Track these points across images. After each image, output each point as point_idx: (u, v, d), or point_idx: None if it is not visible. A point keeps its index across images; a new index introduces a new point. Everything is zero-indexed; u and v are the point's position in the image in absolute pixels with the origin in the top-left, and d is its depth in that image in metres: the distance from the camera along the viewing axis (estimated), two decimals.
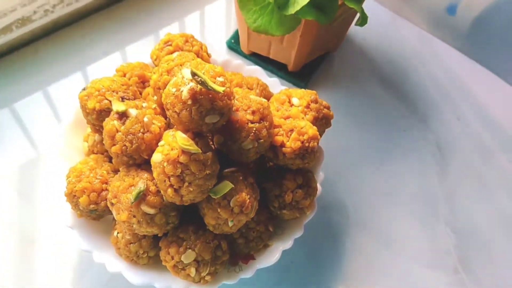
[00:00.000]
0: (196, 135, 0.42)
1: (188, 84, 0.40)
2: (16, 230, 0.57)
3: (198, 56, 0.55)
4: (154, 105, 0.47)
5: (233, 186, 0.44)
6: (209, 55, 0.58)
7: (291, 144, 0.47)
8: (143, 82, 0.55)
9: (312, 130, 0.48)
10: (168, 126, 0.47)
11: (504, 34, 0.72)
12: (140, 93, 0.53)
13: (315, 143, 0.49)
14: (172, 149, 0.41)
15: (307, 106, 0.52)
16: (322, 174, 0.54)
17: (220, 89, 0.40)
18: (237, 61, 0.60)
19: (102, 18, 0.74)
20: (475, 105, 0.71)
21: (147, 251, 0.48)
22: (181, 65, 0.46)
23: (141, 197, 0.43)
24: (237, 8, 0.63)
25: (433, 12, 0.76)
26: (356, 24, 0.58)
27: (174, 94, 0.41)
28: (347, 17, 0.66)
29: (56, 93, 0.68)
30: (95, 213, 0.48)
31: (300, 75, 0.70)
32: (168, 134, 0.42)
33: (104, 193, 0.48)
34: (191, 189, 0.42)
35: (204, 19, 0.76)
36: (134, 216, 0.43)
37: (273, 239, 0.51)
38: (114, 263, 0.48)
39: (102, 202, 0.48)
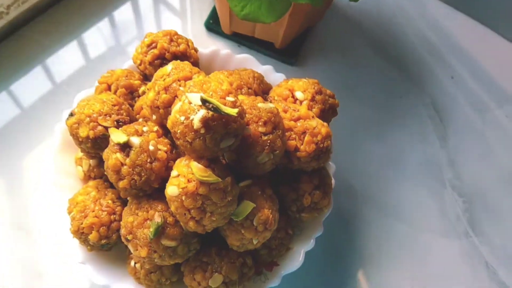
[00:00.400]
0: (211, 162, 0.39)
1: (198, 111, 0.37)
2: (21, 266, 0.54)
3: (186, 55, 0.51)
4: (155, 128, 0.43)
5: (255, 205, 0.41)
6: (196, 50, 0.53)
7: (305, 148, 0.45)
8: (131, 92, 0.50)
9: (325, 129, 0.46)
10: (173, 147, 0.43)
11: None
12: (131, 106, 0.49)
13: (329, 142, 0.46)
14: (188, 181, 0.38)
15: (312, 99, 0.49)
16: (333, 165, 0.53)
17: (234, 111, 0.37)
18: (224, 51, 0.56)
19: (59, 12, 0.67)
20: (467, 61, 0.69)
21: (169, 278, 0.46)
22: (179, 80, 0.42)
23: (160, 232, 0.40)
24: None
25: None
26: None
27: (183, 123, 0.37)
28: None
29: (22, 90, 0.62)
30: (107, 246, 0.45)
31: (288, 52, 0.66)
32: (182, 164, 0.39)
33: (113, 224, 0.45)
34: (214, 219, 0.39)
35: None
36: (155, 252, 0.41)
37: (293, 242, 0.50)
38: None
39: (113, 235, 0.45)
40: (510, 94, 0.68)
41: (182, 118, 0.37)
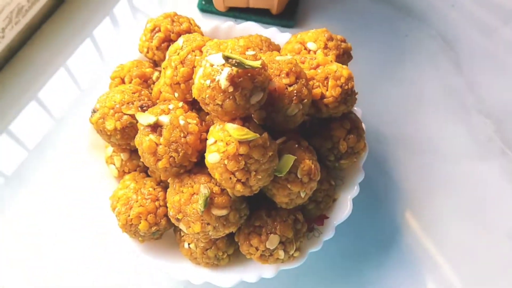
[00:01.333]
0: (245, 121, 0.39)
1: (223, 70, 0.36)
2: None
3: (191, 33, 0.51)
4: (180, 104, 0.42)
5: (295, 157, 0.41)
6: (199, 27, 0.53)
7: (331, 92, 0.44)
8: (145, 81, 0.50)
9: (346, 71, 0.45)
10: (201, 119, 0.43)
11: None
12: (150, 93, 0.49)
13: (353, 83, 0.46)
14: (227, 144, 0.37)
15: (325, 47, 0.49)
16: (359, 109, 0.52)
17: (257, 63, 0.36)
18: (225, 25, 0.56)
19: (52, 25, 0.67)
20: None
21: (225, 251, 0.46)
22: (193, 51, 0.42)
23: (209, 203, 0.40)
24: None
25: None
26: None
27: (209, 86, 0.37)
28: None
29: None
30: (158, 233, 0.45)
31: (286, 16, 0.66)
32: (216, 130, 0.39)
33: (159, 210, 0.44)
34: (260, 177, 0.39)
35: None
36: (208, 224, 0.40)
37: (338, 192, 0.49)
38: (197, 275, 0.46)
39: (162, 220, 0.44)
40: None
41: (208, 82, 0.37)
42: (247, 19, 0.66)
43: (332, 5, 0.67)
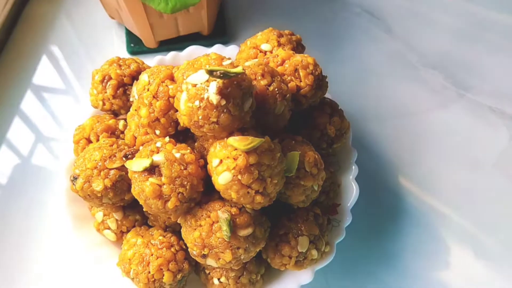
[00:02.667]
0: (243, 131, 0.37)
1: (209, 86, 0.35)
2: None
3: (142, 71, 0.49)
4: (167, 139, 0.40)
5: (299, 152, 0.40)
6: (147, 65, 0.51)
7: (305, 82, 0.44)
8: (113, 133, 0.47)
9: (310, 58, 0.45)
10: (192, 148, 0.41)
11: None
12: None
13: (320, 68, 0.46)
14: (235, 159, 0.36)
15: (279, 44, 0.49)
16: (329, 95, 0.52)
17: (239, 69, 0.35)
18: (169, 55, 0.54)
19: None
20: None
21: (257, 272, 0.43)
22: (162, 82, 0.40)
23: (233, 226, 0.38)
24: (131, 10, 0.55)
25: None
26: None
27: (200, 106, 0.35)
28: None
29: None
30: (183, 281, 0.42)
31: (218, 33, 0.65)
32: (218, 150, 0.37)
33: (178, 255, 0.41)
34: (275, 181, 0.37)
35: (88, 47, 0.66)
36: (238, 248, 0.38)
37: (339, 177, 0.49)
38: None
39: (184, 265, 0.41)
40: None
41: (197, 102, 0.35)
42: (182, 48, 0.64)
43: (256, 14, 0.68)
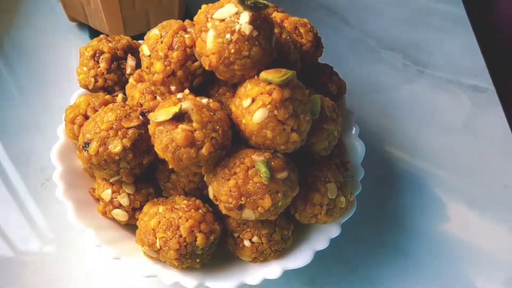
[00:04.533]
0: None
1: (239, 18, 0.34)
2: None
3: (133, 46, 0.47)
4: (187, 91, 0.38)
5: (320, 95, 0.40)
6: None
7: (307, 38, 0.45)
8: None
9: (305, 19, 0.47)
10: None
11: None
12: None
13: (316, 29, 0.47)
14: (269, 94, 0.35)
15: None
16: None
17: (266, 2, 0.35)
18: None
19: None
20: None
21: (288, 228, 0.41)
22: (176, 33, 0.38)
23: (271, 169, 0.36)
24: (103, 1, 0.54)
25: None
26: None
27: (231, 40, 0.34)
28: None
29: None
30: (214, 245, 0.39)
31: None
32: (249, 88, 0.36)
33: (207, 216, 0.38)
34: (307, 118, 0.37)
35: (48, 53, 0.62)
36: (277, 192, 0.36)
37: (345, 137, 0.50)
38: (272, 269, 0.41)
39: (215, 226, 0.39)
40: None
41: (228, 36, 0.34)
42: None
43: None
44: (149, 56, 0.39)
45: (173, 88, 0.39)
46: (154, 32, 0.39)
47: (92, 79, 0.44)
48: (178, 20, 0.39)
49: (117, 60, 0.45)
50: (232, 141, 0.38)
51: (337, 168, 0.43)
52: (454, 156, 0.59)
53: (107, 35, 0.47)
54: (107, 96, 0.44)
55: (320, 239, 0.42)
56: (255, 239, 0.40)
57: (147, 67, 0.39)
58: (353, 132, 0.49)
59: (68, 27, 0.64)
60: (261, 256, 0.41)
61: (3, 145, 0.54)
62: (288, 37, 0.41)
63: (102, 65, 0.44)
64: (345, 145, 0.49)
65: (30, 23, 0.64)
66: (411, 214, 0.53)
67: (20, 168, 0.52)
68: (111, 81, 0.45)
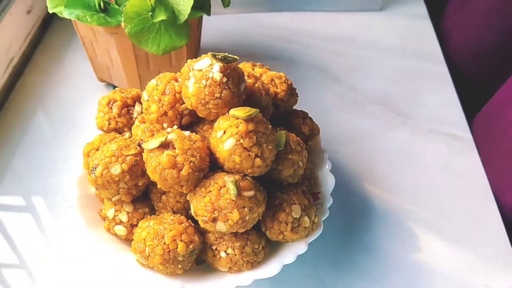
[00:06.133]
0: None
1: (213, 68, 0.44)
2: None
3: (140, 96, 0.57)
4: (174, 126, 0.48)
5: (285, 131, 0.49)
6: None
7: (281, 88, 0.55)
8: None
9: (281, 73, 0.57)
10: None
11: None
12: None
13: (291, 80, 0.57)
14: (237, 126, 0.44)
15: (253, 68, 0.60)
16: None
17: (235, 57, 0.45)
18: None
19: None
20: (307, 33, 0.89)
21: (259, 243, 0.48)
22: (169, 82, 0.49)
23: (238, 187, 0.44)
24: (123, 61, 0.65)
25: None
26: (224, 7, 0.68)
27: (206, 85, 0.44)
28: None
29: None
30: (194, 253, 0.47)
31: None
32: (222, 122, 0.45)
33: (188, 229, 0.47)
34: (270, 147, 0.45)
35: (77, 111, 0.74)
36: (244, 207, 0.44)
37: (316, 170, 0.57)
38: (243, 278, 0.48)
39: (195, 237, 0.46)
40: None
41: (203, 82, 0.44)
42: None
43: None
44: (147, 100, 0.49)
45: (165, 125, 0.49)
46: (152, 82, 0.50)
47: (106, 122, 0.55)
48: (171, 73, 0.50)
49: (127, 107, 0.55)
50: (210, 166, 0.47)
51: (303, 194, 0.50)
52: (430, 195, 0.65)
53: (121, 88, 0.58)
54: (117, 135, 0.54)
55: (288, 255, 0.49)
56: (229, 251, 0.48)
57: (145, 109, 0.50)
58: (326, 167, 0.57)
59: (97, 86, 0.76)
60: (235, 267, 0.48)
61: (37, 178, 0.64)
62: (260, 86, 0.50)
63: (115, 110, 0.54)
64: (318, 178, 0.57)
65: (66, 82, 0.77)
66: (383, 242, 0.59)
67: (48, 197, 0.62)
68: (121, 123, 0.55)
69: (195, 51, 0.77)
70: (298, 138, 0.50)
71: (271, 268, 0.48)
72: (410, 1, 0.98)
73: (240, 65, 0.58)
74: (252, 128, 0.44)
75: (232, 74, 0.45)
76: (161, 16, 0.58)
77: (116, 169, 0.46)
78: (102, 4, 0.62)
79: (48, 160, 0.67)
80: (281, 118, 0.56)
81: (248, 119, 0.44)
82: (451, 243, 0.60)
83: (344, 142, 0.71)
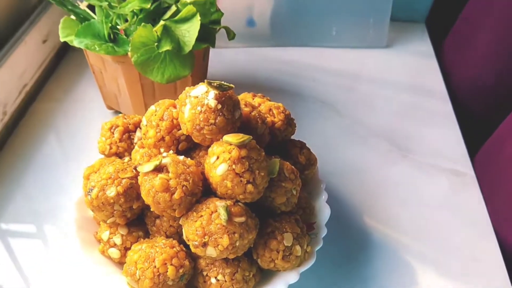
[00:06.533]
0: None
1: (208, 95, 0.46)
2: None
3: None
4: (170, 151, 0.49)
5: (279, 159, 0.50)
6: None
7: (278, 118, 0.56)
8: None
9: (280, 104, 0.58)
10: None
11: (294, 17, 0.94)
12: None
13: (289, 111, 0.58)
14: (230, 152, 0.45)
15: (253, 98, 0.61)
16: None
17: (231, 85, 0.47)
18: None
19: None
20: (314, 67, 0.91)
21: (250, 270, 0.48)
22: (167, 108, 0.50)
23: (229, 213, 0.45)
24: (130, 90, 0.68)
25: (239, 30, 0.94)
26: (229, 39, 0.70)
27: (201, 111, 0.45)
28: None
29: None
30: (184, 278, 0.47)
31: None
32: (216, 148, 0.46)
33: (180, 254, 0.47)
34: (262, 174, 0.46)
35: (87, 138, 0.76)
36: (234, 233, 0.45)
37: (313, 200, 0.58)
38: None
39: (185, 262, 0.47)
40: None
41: (199, 108, 0.46)
42: None
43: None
44: (146, 125, 0.51)
45: (162, 150, 0.50)
46: (152, 108, 0.51)
47: (108, 146, 0.56)
48: (170, 100, 0.52)
49: (128, 132, 0.57)
50: (204, 192, 0.48)
51: (296, 222, 0.50)
52: (429, 230, 0.64)
53: (125, 115, 0.60)
54: (117, 159, 0.55)
55: (279, 284, 0.49)
56: (219, 277, 0.48)
57: (144, 134, 0.51)
58: (323, 197, 0.57)
59: (105, 113, 0.79)
60: None
61: (43, 199, 0.66)
62: (257, 114, 0.51)
63: (116, 135, 0.56)
64: (313, 208, 0.57)
65: (76, 109, 0.80)
66: (382, 276, 0.58)
67: (51, 219, 0.63)
68: (122, 148, 0.56)
69: (201, 81, 0.79)
70: (293, 167, 0.51)
71: None
72: (416, 39, 1.00)
73: (241, 95, 0.60)
74: (244, 154, 0.45)
75: (227, 102, 0.46)
76: (166, 47, 0.61)
77: (111, 191, 0.47)
78: (111, 34, 0.65)
79: (54, 183, 0.68)
80: (278, 147, 0.57)
81: (241, 145, 0.45)
82: (451, 279, 0.59)
83: (345, 175, 0.71)
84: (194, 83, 0.73)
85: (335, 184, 0.70)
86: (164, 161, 0.46)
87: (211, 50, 0.92)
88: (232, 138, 0.45)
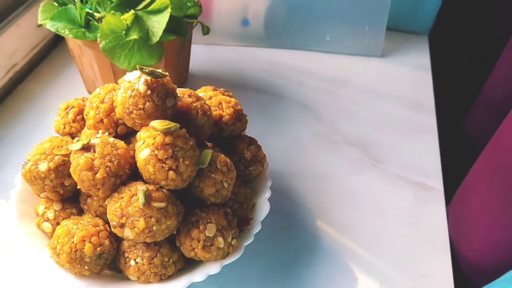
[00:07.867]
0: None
1: (139, 80, 0.47)
2: None
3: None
4: (106, 133, 0.50)
5: (212, 151, 0.50)
6: None
7: (226, 112, 0.56)
8: None
9: (233, 99, 0.58)
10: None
11: (289, 20, 0.94)
12: None
13: (241, 107, 0.58)
14: (154, 138, 0.45)
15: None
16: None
17: (165, 73, 0.48)
18: None
19: None
20: (302, 71, 0.91)
21: (170, 257, 0.49)
22: (110, 92, 0.51)
23: (148, 197, 0.45)
24: (103, 76, 0.70)
25: (233, 29, 0.95)
26: (203, 34, 0.71)
27: (131, 95, 0.46)
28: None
29: None
30: (102, 257, 0.48)
31: None
32: (142, 132, 0.47)
33: (101, 233, 0.48)
34: (187, 163, 0.46)
35: None
36: (151, 217, 0.45)
37: (255, 198, 0.57)
38: None
39: (105, 241, 0.48)
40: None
41: (129, 92, 0.47)
42: None
43: None
44: (88, 106, 0.52)
45: (100, 132, 0.51)
46: (96, 90, 0.53)
47: (62, 126, 0.58)
48: (114, 84, 0.53)
49: (82, 114, 0.58)
50: (134, 175, 0.49)
51: (225, 215, 0.50)
52: (382, 241, 0.63)
53: (84, 97, 0.61)
54: (68, 139, 0.57)
55: (199, 273, 0.49)
56: (138, 260, 0.48)
57: (86, 114, 0.52)
58: (266, 195, 0.57)
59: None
60: (143, 277, 0.48)
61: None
62: (199, 106, 0.52)
63: (70, 116, 0.58)
64: (255, 204, 0.57)
65: (60, 93, 0.82)
66: (320, 280, 0.57)
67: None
68: (75, 128, 0.58)
69: (182, 76, 0.81)
70: (227, 160, 0.51)
71: (178, 283, 0.48)
72: (414, 51, 0.98)
73: (201, 88, 0.61)
74: (169, 141, 0.45)
75: (158, 88, 0.47)
76: (134, 35, 0.62)
77: (43, 166, 0.48)
78: (87, 21, 0.67)
79: (14, 158, 0.71)
80: (226, 141, 0.58)
81: (166, 132, 0.46)
82: None
83: (308, 178, 0.71)
84: (174, 76, 0.74)
85: (294, 186, 0.69)
86: (93, 141, 0.47)
87: (203, 46, 0.94)
88: (158, 124, 0.46)
